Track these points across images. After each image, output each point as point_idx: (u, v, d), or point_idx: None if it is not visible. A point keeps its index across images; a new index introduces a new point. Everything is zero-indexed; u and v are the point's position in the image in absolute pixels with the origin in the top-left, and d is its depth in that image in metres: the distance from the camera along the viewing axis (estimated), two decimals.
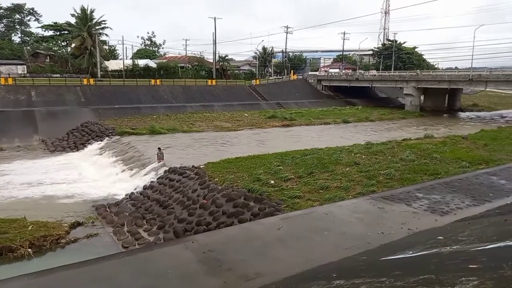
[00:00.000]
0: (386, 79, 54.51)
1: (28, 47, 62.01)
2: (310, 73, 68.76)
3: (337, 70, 69.18)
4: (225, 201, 13.61)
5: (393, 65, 71.74)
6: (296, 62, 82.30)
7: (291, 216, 10.13)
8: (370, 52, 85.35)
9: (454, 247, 4.41)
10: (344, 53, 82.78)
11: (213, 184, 15.29)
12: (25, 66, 50.86)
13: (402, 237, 7.37)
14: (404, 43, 79.05)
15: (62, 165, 24.22)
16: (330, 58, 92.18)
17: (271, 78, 65.10)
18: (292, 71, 68.67)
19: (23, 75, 48.11)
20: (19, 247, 11.78)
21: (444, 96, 55.33)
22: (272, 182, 14.78)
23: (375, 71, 65.61)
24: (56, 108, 36.28)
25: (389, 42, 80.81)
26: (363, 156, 18.73)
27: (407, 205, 10.63)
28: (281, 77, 65.95)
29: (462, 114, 52.91)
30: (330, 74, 63.31)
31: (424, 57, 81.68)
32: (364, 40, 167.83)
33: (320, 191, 13.66)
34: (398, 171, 15.53)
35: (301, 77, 64.88)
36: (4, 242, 11.83)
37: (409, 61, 76.19)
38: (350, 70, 68.93)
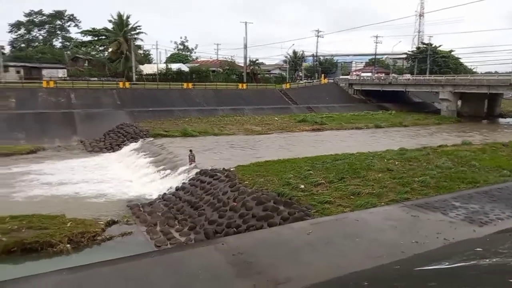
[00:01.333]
0: (421, 83, 52.95)
1: (68, 52, 64.94)
2: (341, 77, 67.87)
3: (369, 74, 67.93)
4: (255, 204, 13.64)
5: (428, 69, 69.60)
6: (327, 66, 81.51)
7: (321, 221, 10.02)
8: (404, 56, 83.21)
9: (494, 260, 4.24)
10: (377, 56, 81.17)
11: (243, 187, 15.37)
12: (65, 70, 53.29)
13: (438, 247, 7.11)
14: (439, 46, 76.54)
15: (98, 165, 25.16)
16: (362, 62, 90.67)
17: (301, 82, 64.78)
18: (322, 75, 68.08)
19: (63, 78, 50.37)
20: (58, 242, 12.35)
21: (483, 101, 53.04)
22: (302, 186, 14.66)
23: (409, 75, 63.89)
24: (94, 110, 37.74)
25: (424, 46, 78.50)
26: (397, 162, 18.26)
27: (443, 214, 10.27)
28: (311, 81, 65.50)
29: (503, 120, 50.50)
30: (362, 78, 62.23)
31: (461, 61, 78.72)
32: (398, 44, 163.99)
33: (351, 197, 13.43)
34: (433, 179, 15.03)
35: (332, 81, 64.15)
36: (45, 238, 12.44)
37: (445, 65, 73.63)
38: (383, 74, 67.46)
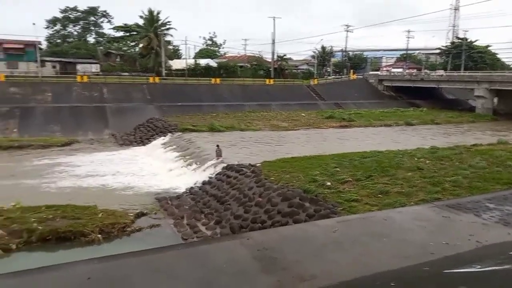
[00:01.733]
0: (455, 79, 51.01)
1: (101, 47, 66.86)
2: (370, 72, 66.41)
3: (400, 70, 66.06)
4: (280, 200, 13.64)
5: (462, 65, 66.94)
6: (356, 61, 79.94)
7: (348, 219, 9.87)
8: (437, 51, 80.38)
9: None
10: (409, 52, 78.85)
11: (269, 183, 15.39)
12: (98, 65, 54.91)
13: (469, 250, 6.87)
14: (475, 41, 73.32)
15: (128, 158, 25.88)
16: (392, 58, 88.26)
17: (329, 77, 63.90)
18: (351, 71, 66.87)
19: (96, 73, 51.95)
20: (90, 232, 12.84)
21: None
22: (329, 183, 14.51)
23: (442, 71, 61.68)
24: (125, 105, 38.75)
25: (459, 40, 75.51)
26: (427, 161, 17.74)
27: (475, 215, 9.86)
28: (340, 76, 64.46)
29: None
30: (392, 73, 60.64)
31: (498, 56, 75.18)
32: (431, 39, 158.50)
33: (379, 195, 13.18)
34: (466, 179, 14.51)
35: (361, 76, 62.87)
36: (78, 227, 12.96)
37: (481, 61, 70.52)
38: (415, 70, 65.48)
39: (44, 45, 63.56)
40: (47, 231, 12.66)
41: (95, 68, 53.89)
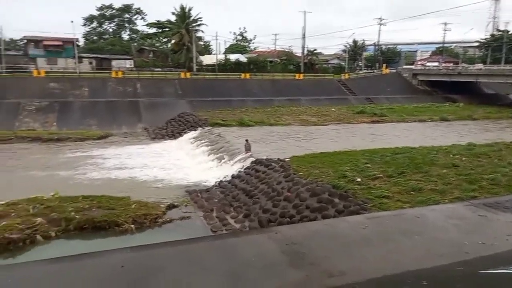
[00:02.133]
0: (495, 73, 48.57)
1: (135, 44, 68.62)
2: (404, 66, 64.39)
3: (435, 64, 63.65)
4: (309, 196, 13.56)
5: (503, 58, 63.65)
6: (389, 55, 77.72)
7: (378, 216, 9.71)
8: (476, 44, 76.80)
9: None
10: (445, 45, 75.82)
11: (298, 178, 15.33)
12: (132, 61, 56.39)
13: (507, 250, 6.57)
14: None
15: (160, 152, 26.50)
16: (427, 51, 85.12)
17: (361, 72, 62.58)
18: (384, 65, 65.15)
19: (130, 68, 53.37)
20: (124, 222, 13.28)
21: None
22: (359, 179, 14.30)
23: (481, 64, 58.93)
24: (157, 100, 39.64)
25: (500, 33, 71.79)
26: (464, 158, 17.08)
27: None
28: (372, 71, 62.99)
29: None
30: (427, 67, 58.55)
31: None
32: (469, 31, 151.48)
33: (411, 192, 12.85)
34: (505, 177, 13.85)
35: (394, 71, 61.15)
36: (112, 217, 13.44)
37: None
38: (451, 64, 62.91)
39: (81, 42, 66.01)
40: (83, 220, 13.20)
41: (129, 64, 55.39)
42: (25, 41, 52.22)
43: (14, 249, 11.68)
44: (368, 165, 16.11)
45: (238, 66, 57.36)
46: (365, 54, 76.52)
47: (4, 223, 12.43)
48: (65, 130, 32.47)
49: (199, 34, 60.62)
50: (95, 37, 73.70)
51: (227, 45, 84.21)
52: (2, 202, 14.37)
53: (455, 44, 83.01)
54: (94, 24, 75.46)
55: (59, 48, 50.70)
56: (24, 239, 11.99)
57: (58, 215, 13.26)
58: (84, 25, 74.30)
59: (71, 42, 50.32)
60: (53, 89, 38.68)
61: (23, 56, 50.38)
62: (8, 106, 34.61)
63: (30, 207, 13.78)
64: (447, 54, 76.40)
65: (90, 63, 53.79)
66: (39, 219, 12.82)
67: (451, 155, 17.60)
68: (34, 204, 14.06)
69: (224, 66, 56.88)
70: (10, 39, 65.53)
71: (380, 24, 67.69)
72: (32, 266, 4.04)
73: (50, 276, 3.59)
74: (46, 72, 42.87)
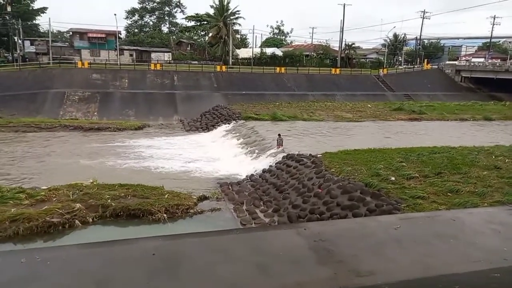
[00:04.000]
0: None
1: (174, 37, 69.94)
2: (447, 62, 61.71)
3: (481, 60, 60.47)
4: (340, 193, 13.40)
5: None
6: (431, 50, 74.68)
7: (412, 217, 9.44)
8: None
9: None
10: (493, 40, 71.77)
11: (329, 174, 15.17)
12: (170, 54, 57.60)
13: None
14: None
15: (194, 144, 27.01)
16: (473, 46, 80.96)
17: (400, 67, 60.62)
18: (425, 60, 62.70)
19: (168, 61, 54.55)
20: (157, 211, 13.67)
21: None
22: (393, 178, 13.98)
23: None
24: (193, 92, 40.33)
25: None
26: (507, 160, 16.20)
27: None
28: (412, 66, 60.86)
29: None
30: (472, 63, 55.77)
31: None
32: None
33: (448, 194, 12.42)
34: None
35: (436, 67, 58.81)
36: (146, 206, 13.88)
37: None
38: (499, 60, 59.52)
39: (123, 34, 68.09)
40: (119, 208, 13.72)
41: (167, 56, 56.61)
42: (71, 33, 54.60)
43: (54, 232, 12.35)
44: (404, 164, 15.70)
45: (273, 60, 57.16)
46: (405, 48, 73.93)
47: (46, 207, 13.14)
48: (105, 119, 33.79)
49: (236, 27, 60.91)
50: (136, 30, 75.84)
51: (264, 39, 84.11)
52: (45, 187, 15.20)
53: (504, 39, 78.38)
54: (136, 17, 77.64)
55: (102, 40, 52.60)
56: (63, 223, 12.63)
57: (95, 202, 13.85)
58: (126, 18, 76.70)
59: (113, 34, 52.09)
60: (95, 80, 40.29)
61: (69, 47, 52.72)
62: (54, 95, 36.45)
63: (70, 192, 14.49)
64: (494, 50, 72.32)
65: (131, 55, 55.46)
66: (78, 205, 13.45)
67: (494, 156, 16.79)
68: (74, 190, 14.76)
69: (260, 60, 56.87)
70: (57, 31, 68.93)
71: (423, 18, 65.14)
72: (69, 249, 4.25)
73: (85, 259, 3.77)
74: (90, 63, 44.72)
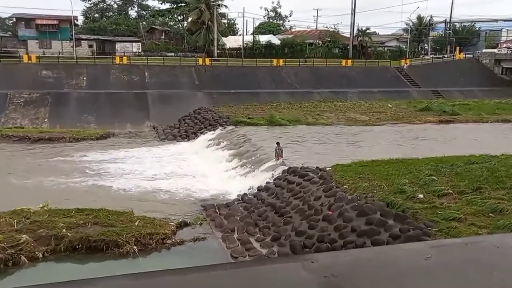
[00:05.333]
0: None
1: (144, 23, 70.20)
2: (484, 50, 62.52)
3: None
4: (356, 215, 13.43)
5: None
6: (464, 35, 75.70)
7: (446, 244, 9.44)
8: None
9: None
10: None
11: (342, 192, 15.22)
12: (140, 44, 57.81)
13: None
14: None
15: (171, 156, 26.95)
16: None
17: (426, 57, 61.35)
18: (457, 48, 63.52)
19: (137, 53, 54.71)
20: (125, 243, 13.57)
21: None
22: (421, 196, 14.11)
23: None
24: (169, 91, 40.38)
25: None
26: None
27: None
28: (441, 56, 61.60)
29: None
30: None
31: None
32: None
33: (490, 214, 12.56)
34: None
35: (470, 56, 59.55)
36: (111, 236, 13.75)
37: None
38: None
39: (80, 20, 68.18)
40: (77, 239, 13.58)
41: (136, 47, 56.80)
42: (14, 20, 54.63)
43: None
44: (434, 177, 15.82)
45: (269, 50, 57.57)
46: (432, 34, 74.87)
47: None
48: (58, 127, 33.64)
49: (222, 10, 61.42)
50: (96, 15, 76.03)
51: (257, 24, 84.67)
52: None
53: None
54: None
55: (54, 28, 52.71)
56: (6, 260, 12.44)
57: (46, 232, 13.70)
58: (84, 0, 76.84)
59: (68, 21, 52.25)
60: (46, 78, 40.21)
61: (12, 38, 52.74)
62: None
63: (14, 221, 14.31)
64: None
65: (90, 46, 55.60)
66: (24, 237, 13.27)
67: None
68: (19, 218, 14.59)
69: (252, 50, 57.24)
70: None
71: None
72: None
73: None
74: (38, 57, 44.67)
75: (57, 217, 14.84)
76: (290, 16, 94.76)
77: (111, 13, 76.86)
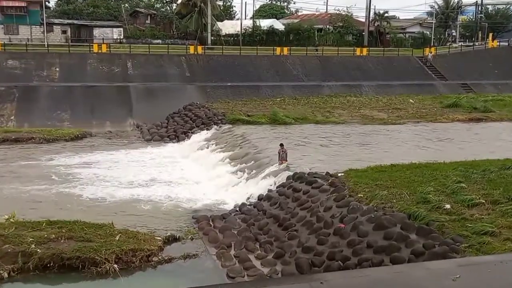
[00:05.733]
0: None
1: (126, 5, 70.29)
2: None
3: None
4: (372, 229, 13.42)
5: None
6: (497, 20, 75.79)
7: (476, 262, 9.48)
8: None
9: None
10: None
11: (356, 202, 15.21)
12: (121, 29, 57.80)
13: None
14: None
15: (158, 160, 26.92)
16: None
17: (454, 45, 61.42)
18: (490, 35, 63.59)
19: (119, 40, 54.69)
20: (104, 260, 13.48)
21: None
22: (448, 206, 14.11)
23: None
24: (155, 85, 40.43)
25: None
26: None
27: None
28: (471, 43, 61.68)
29: None
30: None
31: None
32: None
33: None
34: None
35: (505, 44, 59.61)
36: (88, 253, 13.67)
37: None
38: None
39: (52, 2, 68.24)
40: (48, 256, 13.48)
41: (117, 33, 56.81)
42: None
43: None
44: (463, 184, 15.84)
45: (271, 37, 57.62)
46: (461, 18, 74.99)
47: None
48: (26, 126, 33.60)
49: None
50: None
51: (257, 7, 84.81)
52: None
53: None
54: None
55: (22, 11, 52.67)
56: None
57: (13, 248, 13.61)
58: None
59: (38, 2, 52.25)
60: (12, 69, 40.23)
61: None
62: None
63: None
64: None
65: (64, 32, 55.62)
66: None
67: None
68: None
69: (252, 37, 57.31)
70: None
71: None
72: None
73: None
74: (3, 44, 44.67)
75: (25, 230, 14.76)
76: None
77: None
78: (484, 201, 14.42)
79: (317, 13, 78.71)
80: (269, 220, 16.82)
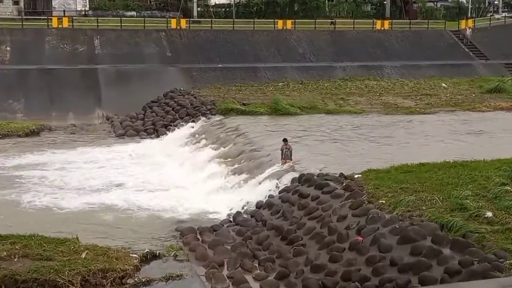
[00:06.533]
0: None
1: None
2: None
3: None
4: (397, 243, 13.43)
5: None
6: None
7: None
8: None
9: None
10: None
11: (376, 210, 15.20)
12: (87, 0, 57.56)
13: None
14: None
15: (133, 160, 26.93)
16: None
17: (497, 16, 61.40)
18: None
19: (83, 12, 54.44)
20: (67, 283, 13.47)
21: None
22: (490, 214, 14.07)
23: None
24: (129, 67, 40.34)
25: None
26: None
27: None
28: None
29: None
30: None
31: None
32: None
33: None
34: None
35: None
36: (47, 274, 13.65)
37: None
38: None
39: None
40: None
41: (81, 4, 56.56)
42: None
43: None
44: (508, 188, 15.80)
45: (272, 7, 57.53)
46: None
47: None
48: None
49: None
50: None
51: None
52: None
53: None
54: None
55: None
56: None
57: None
58: None
59: None
60: None
61: None
62: None
63: None
64: None
65: (16, 3, 55.35)
66: None
67: None
68: None
69: (248, 8, 57.15)
70: None
71: None
72: None
73: None
74: None
75: None
76: None
77: None
78: None
79: None
80: (270, 232, 16.83)
